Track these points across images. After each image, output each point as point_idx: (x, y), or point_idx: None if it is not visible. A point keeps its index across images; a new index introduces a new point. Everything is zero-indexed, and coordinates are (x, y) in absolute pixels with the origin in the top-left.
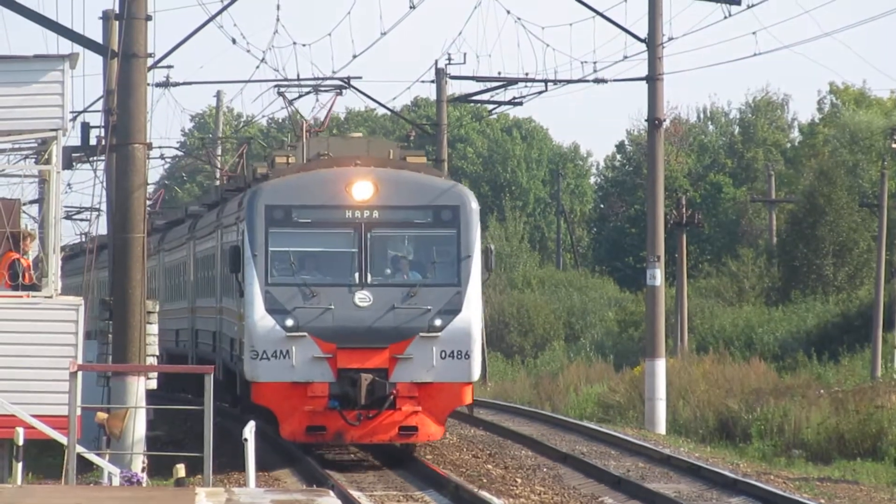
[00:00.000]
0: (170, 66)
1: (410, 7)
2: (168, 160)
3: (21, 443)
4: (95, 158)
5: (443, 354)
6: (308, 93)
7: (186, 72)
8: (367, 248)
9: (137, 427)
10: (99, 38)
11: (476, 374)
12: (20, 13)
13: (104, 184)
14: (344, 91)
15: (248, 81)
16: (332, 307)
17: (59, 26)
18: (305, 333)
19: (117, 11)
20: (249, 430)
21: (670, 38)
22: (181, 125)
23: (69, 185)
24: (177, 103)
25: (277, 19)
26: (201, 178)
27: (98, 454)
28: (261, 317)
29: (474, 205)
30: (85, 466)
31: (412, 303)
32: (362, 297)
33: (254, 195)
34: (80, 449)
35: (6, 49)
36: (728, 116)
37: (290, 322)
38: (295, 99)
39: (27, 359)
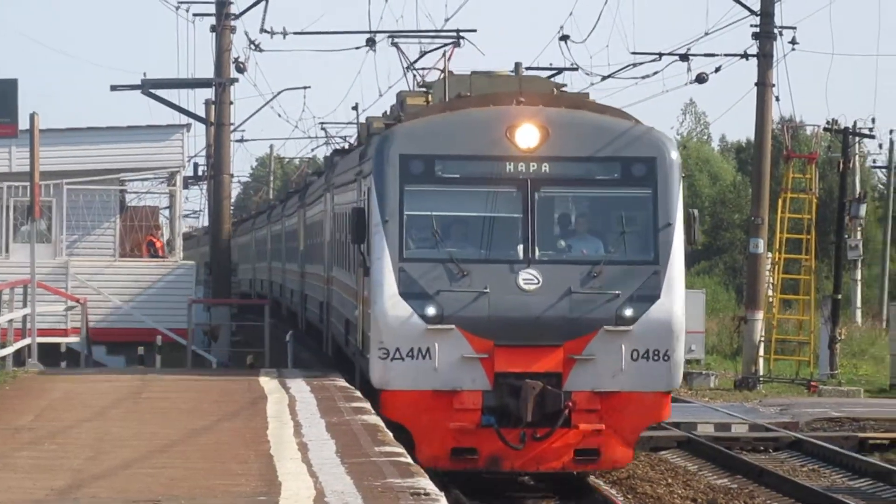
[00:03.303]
0: (243, 130)
1: None
2: (241, 183)
3: (160, 344)
4: (200, 182)
5: (635, 355)
6: (425, 53)
7: (252, 132)
8: (534, 212)
9: (226, 336)
10: (202, 114)
11: (678, 380)
12: (163, 103)
13: (207, 196)
14: (461, 42)
15: (287, 139)
16: (488, 291)
17: (181, 109)
18: (452, 326)
19: (213, 99)
20: (289, 336)
21: None
22: (250, 163)
23: (186, 197)
24: (246, 150)
25: (304, 102)
26: (262, 194)
27: (204, 350)
28: (393, 303)
29: (675, 156)
30: (196, 359)
31: (595, 286)
32: (528, 279)
33: (383, 142)
34: (193, 348)
35: (151, 120)
36: None
37: (431, 310)
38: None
39: (164, 296)
